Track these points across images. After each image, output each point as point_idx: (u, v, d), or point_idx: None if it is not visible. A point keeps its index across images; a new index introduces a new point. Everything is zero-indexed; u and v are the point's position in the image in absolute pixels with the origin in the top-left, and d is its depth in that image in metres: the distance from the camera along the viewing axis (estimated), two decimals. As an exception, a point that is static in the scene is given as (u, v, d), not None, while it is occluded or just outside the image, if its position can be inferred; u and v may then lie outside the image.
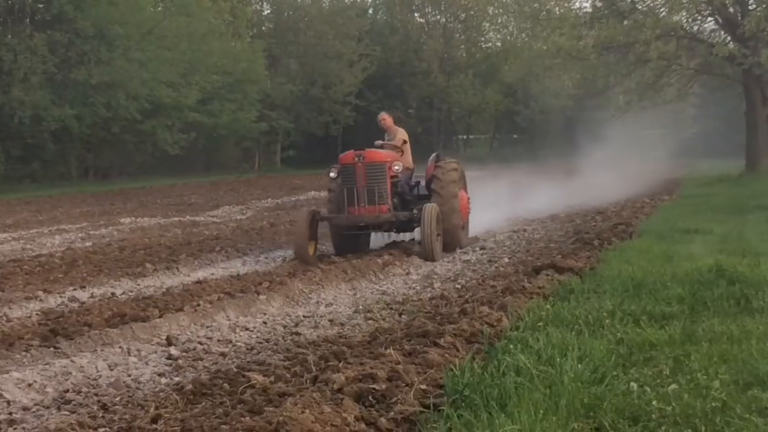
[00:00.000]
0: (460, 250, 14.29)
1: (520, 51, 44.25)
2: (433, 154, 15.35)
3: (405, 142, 14.86)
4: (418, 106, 57.73)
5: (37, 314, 8.89)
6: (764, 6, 28.03)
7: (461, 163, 15.28)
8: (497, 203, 18.75)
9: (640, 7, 30.56)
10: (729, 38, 30.86)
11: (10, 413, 5.78)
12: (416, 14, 59.09)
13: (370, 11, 58.64)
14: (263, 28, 53.37)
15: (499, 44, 57.09)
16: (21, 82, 33.92)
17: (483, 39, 60.04)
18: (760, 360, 5.66)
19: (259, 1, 53.82)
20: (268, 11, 54.35)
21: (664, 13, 30.03)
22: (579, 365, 5.68)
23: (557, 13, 35.65)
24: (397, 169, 13.70)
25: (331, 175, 13.97)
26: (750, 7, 29.31)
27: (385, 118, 15.25)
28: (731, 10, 29.86)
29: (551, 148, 41.59)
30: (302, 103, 50.73)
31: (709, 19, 31.46)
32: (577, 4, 36.76)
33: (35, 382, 6.45)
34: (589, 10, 33.70)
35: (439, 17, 59.10)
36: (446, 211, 13.93)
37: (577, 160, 31.18)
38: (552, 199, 21.15)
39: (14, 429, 5.54)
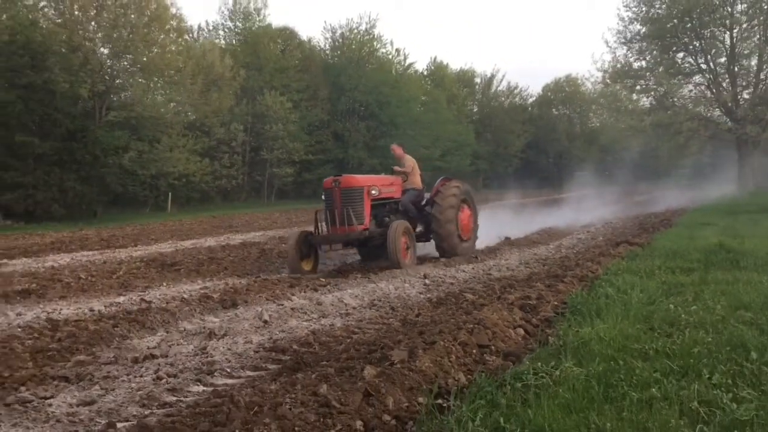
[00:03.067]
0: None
1: (609, 128, 62.99)
2: (441, 178, 14.50)
3: (413, 168, 14.20)
4: (554, 158, 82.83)
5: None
6: (748, 103, 44.29)
7: (466, 185, 14.55)
8: (597, 208, 27.49)
9: (677, 104, 46.44)
10: (728, 120, 46.21)
11: (346, 310, 8.39)
12: (553, 109, 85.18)
13: (529, 108, 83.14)
14: (473, 117, 76.61)
15: (597, 123, 79.12)
16: (353, 147, 53.80)
17: (589, 121, 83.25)
18: (744, 294, 7.22)
19: (472, 103, 79.41)
20: (476, 109, 79.77)
21: (691, 107, 46.08)
22: (640, 294, 7.45)
23: (630, 107, 50.18)
24: (375, 193, 12.68)
25: (323, 197, 12.85)
26: (740, 103, 45.07)
27: (395, 149, 14.55)
28: (730, 104, 45.04)
29: (627, 180, 51.51)
30: (493, 156, 74.38)
31: (717, 110, 46.90)
32: (641, 102, 50.65)
33: (358, 295, 9.27)
34: (648, 105, 49.58)
35: (566, 111, 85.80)
36: (442, 225, 13.41)
37: (642, 187, 49.23)
38: (630, 206, 30.50)
39: (349, 317, 7.97)
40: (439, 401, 4.42)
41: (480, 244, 15.36)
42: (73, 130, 33.24)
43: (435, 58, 79.40)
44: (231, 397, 4.53)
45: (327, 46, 58.20)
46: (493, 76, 79.35)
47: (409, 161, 14.36)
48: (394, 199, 13.66)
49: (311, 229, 12.98)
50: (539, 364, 4.93)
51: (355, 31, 56.79)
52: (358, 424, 4.02)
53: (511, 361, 5.44)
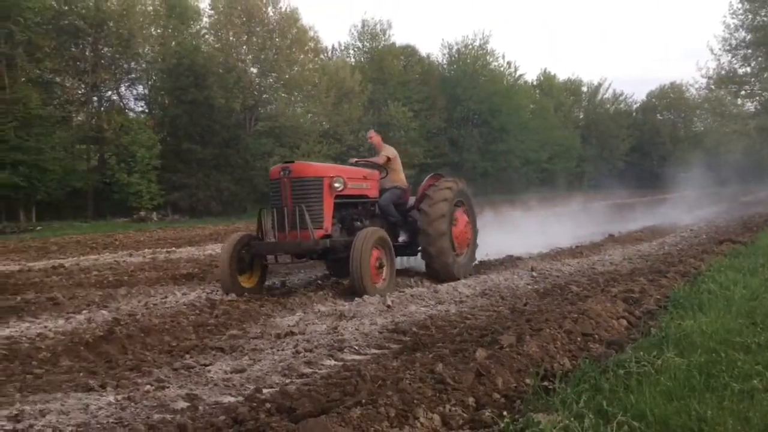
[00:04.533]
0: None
1: (713, 132, 57.90)
2: (429, 176, 10.58)
3: (389, 159, 10.12)
4: (657, 161, 75.06)
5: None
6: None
7: (462, 183, 10.44)
8: (700, 208, 25.71)
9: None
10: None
11: (460, 298, 8.36)
12: (658, 114, 79.74)
13: (634, 113, 78.85)
14: (579, 123, 72.50)
15: (701, 128, 71.24)
16: (467, 151, 53.29)
17: (693, 125, 76.65)
18: None
19: (579, 110, 74.94)
20: (582, 115, 74.87)
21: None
22: (743, 290, 6.91)
23: (734, 111, 47.98)
24: (338, 187, 8.57)
25: (271, 192, 9.00)
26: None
27: (372, 136, 10.53)
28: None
29: (731, 182, 47.88)
30: (597, 159, 70.55)
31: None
32: (746, 107, 47.49)
33: (471, 285, 9.26)
34: (752, 109, 47.65)
35: (670, 116, 79.73)
36: (432, 241, 9.48)
37: (747, 189, 43.62)
38: (734, 207, 27.94)
39: (462, 304, 7.93)
40: (545, 383, 4.32)
41: (584, 239, 14.59)
42: (228, 139, 35.02)
43: (545, 69, 77.39)
44: (358, 371, 4.62)
45: (444, 60, 58.16)
46: (599, 85, 76.32)
47: (387, 151, 10.22)
48: (369, 198, 9.62)
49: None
50: (641, 353, 4.70)
51: (470, 46, 56.50)
52: (471, 400, 4.01)
53: (613, 350, 5.22)
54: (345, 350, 5.81)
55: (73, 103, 33.26)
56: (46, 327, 6.81)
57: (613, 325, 5.99)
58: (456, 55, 57.11)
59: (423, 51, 60.66)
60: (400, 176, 10.30)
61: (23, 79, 28.35)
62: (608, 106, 77.05)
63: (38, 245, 17.51)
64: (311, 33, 41.44)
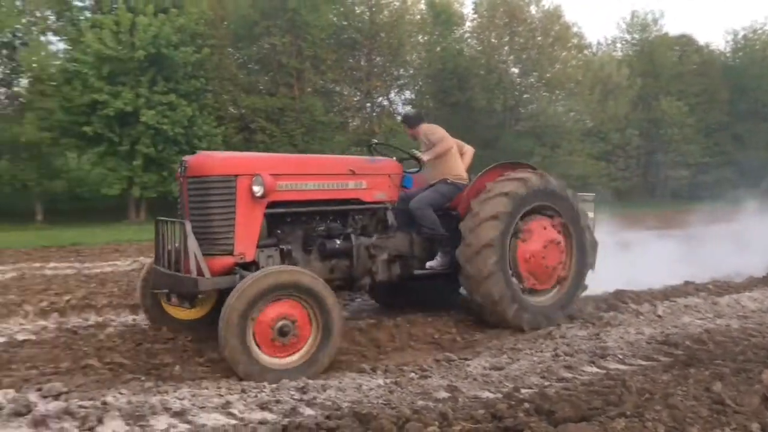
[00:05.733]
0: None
1: None
2: (491, 166, 7.00)
3: (441, 142, 6.76)
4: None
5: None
6: None
7: (548, 178, 6.81)
8: None
9: None
10: None
11: (744, 312, 7.40)
12: None
13: None
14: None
15: None
16: (753, 148, 44.34)
17: None
18: None
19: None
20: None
21: None
22: None
23: None
24: (257, 191, 5.40)
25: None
26: None
27: (409, 132, 7.15)
28: None
29: None
30: None
31: None
32: None
33: (757, 298, 8.20)
34: None
35: None
36: (474, 268, 6.26)
37: None
38: None
39: (747, 319, 7.04)
40: None
41: None
42: (489, 139, 35.55)
43: None
44: (623, 382, 4.41)
45: (727, 48, 52.32)
46: None
47: (435, 133, 6.82)
48: (367, 203, 6.37)
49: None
50: None
51: (759, 31, 50.05)
52: (755, 426, 3.58)
53: None
54: (608, 358, 5.56)
55: (350, 110, 36.44)
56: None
57: None
58: (742, 42, 51.06)
59: (701, 40, 55.34)
60: (452, 165, 6.84)
61: (309, 89, 31.79)
62: None
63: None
64: (574, 29, 40.30)
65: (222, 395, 4.50)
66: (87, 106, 24.02)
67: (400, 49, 35.40)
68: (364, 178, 6.24)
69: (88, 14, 25.77)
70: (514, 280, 6.50)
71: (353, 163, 6.29)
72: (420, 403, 4.36)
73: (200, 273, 5.16)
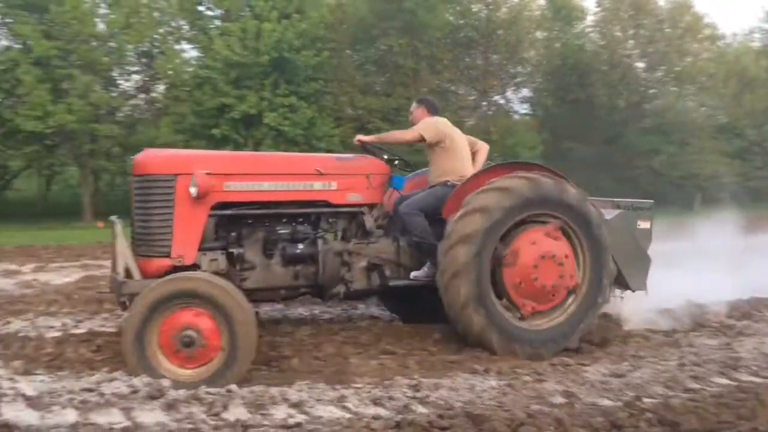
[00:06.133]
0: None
1: None
2: (488, 166, 6.10)
3: (423, 138, 5.94)
4: None
5: None
6: None
7: (553, 178, 5.78)
8: None
9: None
10: None
11: None
12: None
13: None
14: None
15: None
16: None
17: None
18: None
19: None
20: None
21: None
22: None
23: None
24: (193, 191, 5.11)
25: None
26: None
27: (414, 110, 6.45)
28: None
29: None
30: None
31: None
32: None
33: None
34: None
35: None
36: (446, 283, 5.48)
37: None
38: None
39: None
40: None
41: None
42: (611, 137, 34.22)
43: None
44: (756, 395, 4.13)
45: None
46: None
47: (427, 128, 6.02)
48: (338, 206, 5.86)
49: None
50: None
51: None
52: None
53: None
54: (740, 369, 5.21)
55: (466, 109, 36.23)
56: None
57: None
58: None
59: None
60: (455, 165, 6.01)
61: (425, 89, 31.93)
62: None
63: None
64: (706, 20, 37.87)
65: (337, 389, 4.62)
66: (215, 110, 25.40)
67: (518, 46, 34.75)
68: (334, 178, 5.74)
69: (218, 23, 27.23)
70: (500, 308, 5.59)
71: (320, 162, 5.83)
72: (534, 407, 4.28)
73: (129, 276, 4.98)
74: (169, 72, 26.20)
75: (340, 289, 5.76)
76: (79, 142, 24.57)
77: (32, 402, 4.31)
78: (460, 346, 5.81)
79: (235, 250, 5.45)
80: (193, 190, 5.13)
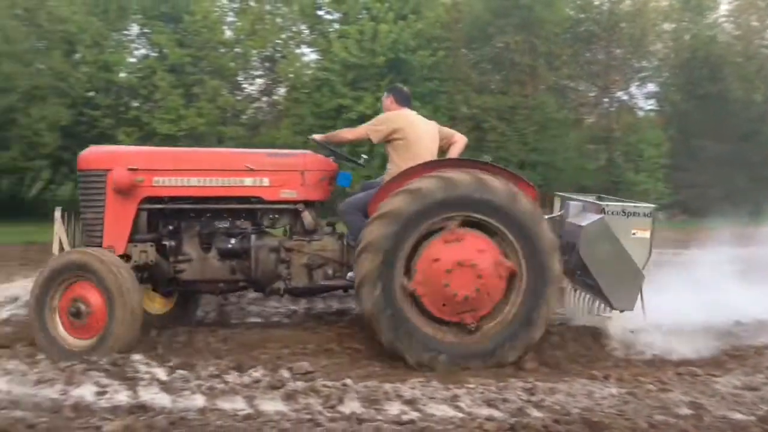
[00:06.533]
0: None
1: None
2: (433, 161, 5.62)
3: (368, 138, 5.89)
4: None
5: None
6: None
7: (496, 177, 5.22)
8: None
9: None
10: None
11: None
12: None
13: None
14: None
15: None
16: None
17: None
18: None
19: None
20: None
21: None
22: None
23: None
24: (114, 187, 5.55)
25: None
26: None
27: (384, 99, 6.29)
28: None
29: None
30: None
31: None
32: None
33: None
34: None
35: None
36: (359, 286, 5.30)
37: None
38: None
39: None
40: None
41: None
42: (746, 133, 31.97)
43: None
44: None
45: None
46: None
47: (378, 124, 5.90)
48: (271, 203, 5.93)
49: None
50: None
51: None
52: None
53: None
54: None
55: (585, 106, 35.03)
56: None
57: None
58: None
59: None
60: (405, 164, 5.60)
61: (542, 86, 31.19)
62: None
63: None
64: None
65: (449, 388, 4.61)
66: (333, 111, 26.06)
67: (643, 39, 33.15)
68: (265, 174, 5.81)
69: (336, 26, 27.93)
70: (415, 320, 5.21)
71: (251, 158, 5.88)
72: (658, 417, 4.08)
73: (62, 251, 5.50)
74: (290, 75, 27.20)
75: (279, 285, 5.79)
76: (207, 144, 26.05)
77: (165, 386, 4.64)
78: (580, 350, 5.63)
79: (168, 243, 5.76)
80: (114, 186, 5.54)
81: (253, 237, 5.80)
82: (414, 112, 5.99)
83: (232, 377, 4.82)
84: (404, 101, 6.04)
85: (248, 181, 5.80)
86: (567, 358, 5.53)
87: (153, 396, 4.49)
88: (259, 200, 5.86)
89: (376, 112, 23.54)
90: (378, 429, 3.94)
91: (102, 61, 25.32)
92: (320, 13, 27.99)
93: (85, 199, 5.76)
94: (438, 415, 4.16)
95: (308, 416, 4.14)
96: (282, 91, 29.74)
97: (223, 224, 5.86)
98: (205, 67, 25.49)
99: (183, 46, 25.11)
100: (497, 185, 5.14)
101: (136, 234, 5.72)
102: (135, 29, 27.06)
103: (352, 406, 4.31)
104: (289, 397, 4.44)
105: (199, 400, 4.41)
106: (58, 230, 5.65)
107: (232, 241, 5.78)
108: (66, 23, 25.16)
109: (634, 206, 5.67)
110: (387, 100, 6.14)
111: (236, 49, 27.07)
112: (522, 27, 29.37)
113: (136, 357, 5.08)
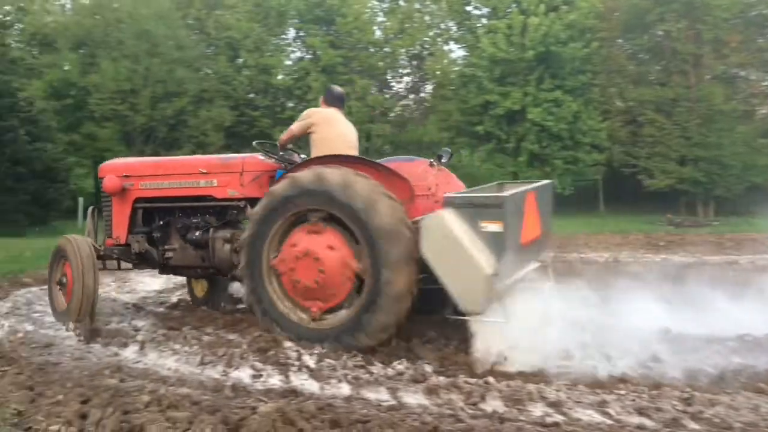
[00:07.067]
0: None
1: None
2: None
3: (293, 135, 6.29)
4: None
5: None
6: None
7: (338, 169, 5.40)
8: None
9: None
10: None
11: None
12: None
13: None
14: None
15: None
16: None
17: None
18: None
19: None
20: None
21: None
22: None
23: None
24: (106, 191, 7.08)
25: None
26: None
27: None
28: None
29: None
30: None
31: None
32: None
33: None
34: None
35: None
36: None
37: None
38: None
39: None
40: None
41: None
42: None
43: None
44: None
45: None
46: None
47: (298, 122, 6.31)
48: (223, 200, 6.73)
49: None
50: None
51: None
52: None
53: None
54: None
55: (758, 96, 32.10)
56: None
57: None
58: None
59: None
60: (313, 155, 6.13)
61: (708, 76, 28.98)
62: None
63: (714, 240, 17.72)
64: None
65: (597, 393, 4.44)
66: (480, 107, 25.89)
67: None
68: (215, 176, 6.66)
69: (484, 21, 27.70)
70: (283, 311, 5.67)
71: (204, 163, 6.81)
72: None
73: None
74: (437, 72, 27.35)
75: (235, 272, 6.38)
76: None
77: (314, 373, 4.87)
78: (745, 361, 5.19)
79: (156, 235, 7.01)
80: (107, 190, 6.99)
81: (211, 230, 6.73)
82: (338, 112, 6.34)
83: (377, 368, 4.95)
84: (333, 101, 6.46)
85: (203, 182, 6.75)
86: (730, 370, 5.10)
87: (303, 382, 4.74)
88: (213, 199, 6.74)
89: (525, 108, 23.24)
90: (520, 429, 3.87)
91: (262, 65, 26.96)
92: (468, 8, 27.83)
93: (102, 201, 7.26)
94: (584, 420, 4.01)
95: (450, 412, 4.16)
96: (429, 88, 30.02)
97: (194, 220, 6.89)
98: (355, 67, 26.32)
99: (335, 47, 26.08)
100: (331, 177, 5.40)
101: (134, 228, 7.08)
102: (291, 33, 28.51)
103: (494, 404, 4.27)
104: (431, 391, 4.50)
105: (345, 389, 4.59)
106: (89, 223, 7.15)
107: (197, 233, 6.80)
108: (231, 30, 27.05)
109: (484, 196, 5.16)
110: (321, 99, 6.62)
111: (385, 49, 27.68)
112: (685, 13, 27.47)
113: (287, 344, 5.39)
